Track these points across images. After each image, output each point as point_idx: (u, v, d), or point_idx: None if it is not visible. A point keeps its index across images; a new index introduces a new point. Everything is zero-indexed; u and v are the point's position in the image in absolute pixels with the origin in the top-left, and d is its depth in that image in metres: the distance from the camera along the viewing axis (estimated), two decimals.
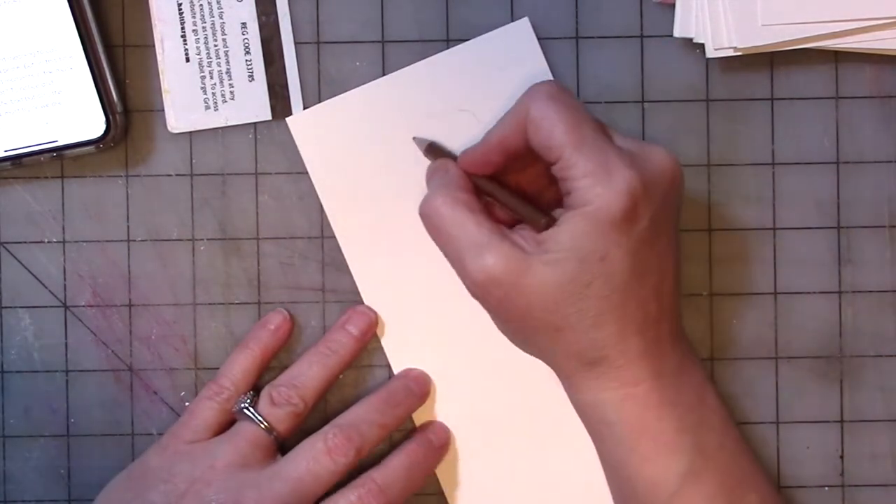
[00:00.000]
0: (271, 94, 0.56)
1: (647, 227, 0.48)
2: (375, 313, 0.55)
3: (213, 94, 0.55)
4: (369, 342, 0.55)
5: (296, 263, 0.56)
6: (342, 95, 0.55)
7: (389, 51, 0.56)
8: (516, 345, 0.52)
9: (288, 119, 0.55)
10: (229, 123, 0.56)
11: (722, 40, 0.54)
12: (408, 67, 0.55)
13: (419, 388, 0.55)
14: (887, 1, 0.53)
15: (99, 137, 0.54)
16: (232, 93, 0.55)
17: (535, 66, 0.55)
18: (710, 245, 0.56)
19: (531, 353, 0.52)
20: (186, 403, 0.56)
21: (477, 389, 0.56)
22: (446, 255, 0.50)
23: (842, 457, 0.56)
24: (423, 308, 0.56)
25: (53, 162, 0.56)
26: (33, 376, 0.56)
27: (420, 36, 0.56)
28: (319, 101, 0.56)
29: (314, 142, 0.55)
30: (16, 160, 0.54)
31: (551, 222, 0.49)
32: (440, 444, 0.55)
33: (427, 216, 0.50)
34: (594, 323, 0.48)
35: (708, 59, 0.55)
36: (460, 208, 0.50)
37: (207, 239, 0.56)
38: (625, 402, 0.49)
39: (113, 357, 0.56)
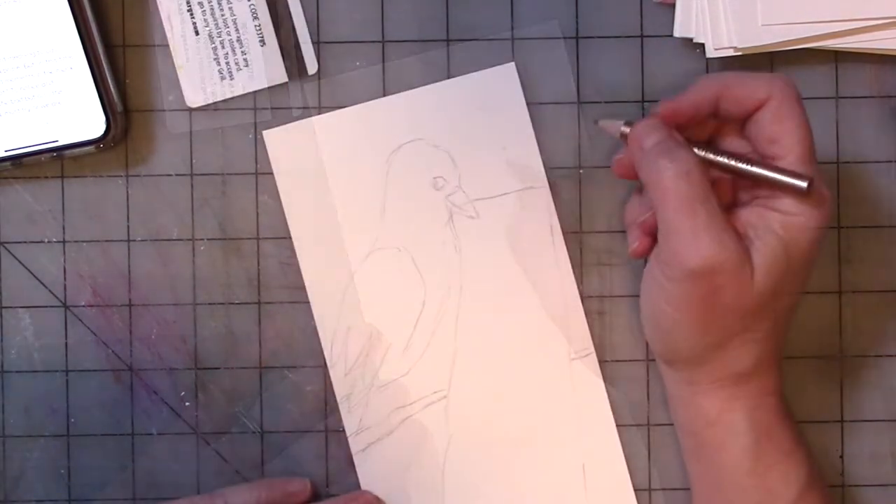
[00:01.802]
0: (285, 56, 0.56)
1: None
2: (380, 501, 0.56)
3: (227, 63, 0.55)
4: None
5: (296, 263, 0.56)
6: (318, 117, 0.56)
7: (389, 51, 0.56)
8: (677, 344, 0.50)
9: (264, 132, 0.56)
10: (246, 91, 0.56)
11: (722, 40, 0.54)
12: (389, 97, 0.56)
13: None
14: (887, 1, 0.53)
15: (99, 137, 0.54)
16: (245, 60, 0.55)
17: (516, 111, 0.55)
18: None
19: (682, 354, 0.50)
20: (187, 404, 0.56)
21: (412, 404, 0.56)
22: (673, 224, 0.47)
23: (842, 457, 0.56)
24: (378, 338, 0.56)
25: (53, 162, 0.56)
26: (33, 376, 0.56)
27: (420, 36, 0.56)
28: (319, 100, 0.56)
29: (286, 158, 0.56)
30: (16, 160, 0.54)
31: (812, 185, 0.47)
32: None
33: (672, 176, 0.46)
34: (765, 335, 0.49)
35: (708, 59, 0.56)
36: (705, 183, 0.47)
37: (207, 239, 0.56)
38: (757, 411, 0.50)
39: (113, 357, 0.56)
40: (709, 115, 0.50)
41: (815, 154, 0.48)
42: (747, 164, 0.48)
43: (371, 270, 0.56)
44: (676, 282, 0.48)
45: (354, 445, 0.56)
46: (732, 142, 0.51)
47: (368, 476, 0.56)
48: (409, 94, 0.56)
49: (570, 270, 0.56)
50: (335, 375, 0.56)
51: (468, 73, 0.56)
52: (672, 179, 0.47)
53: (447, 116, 0.55)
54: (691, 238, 0.46)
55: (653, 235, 0.51)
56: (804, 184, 0.47)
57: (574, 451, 0.56)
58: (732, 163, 0.49)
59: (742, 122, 0.50)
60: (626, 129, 0.50)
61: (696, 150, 0.49)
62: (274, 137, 0.56)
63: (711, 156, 0.49)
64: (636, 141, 0.49)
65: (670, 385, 0.53)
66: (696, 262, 0.46)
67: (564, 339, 0.56)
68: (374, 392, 0.56)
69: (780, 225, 0.48)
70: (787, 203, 0.48)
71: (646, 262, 0.51)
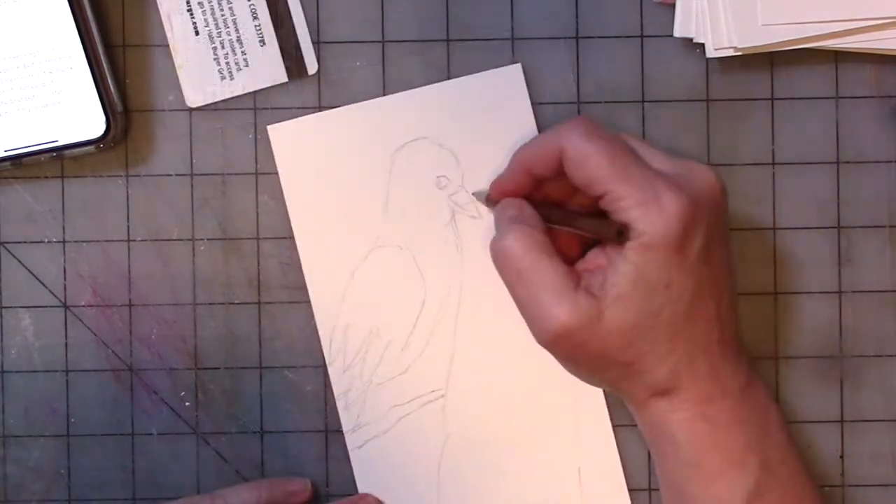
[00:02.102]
0: (284, 56, 0.56)
1: (703, 246, 0.48)
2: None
3: (227, 63, 0.55)
4: None
5: (296, 263, 0.56)
6: (323, 112, 0.56)
7: (389, 51, 0.56)
8: (583, 380, 0.52)
9: (268, 127, 0.56)
10: (246, 91, 0.56)
11: (722, 40, 0.54)
12: (395, 94, 0.56)
13: None
14: (887, 1, 0.53)
15: (99, 137, 0.54)
16: (245, 60, 0.55)
17: (521, 113, 0.55)
18: None
19: (599, 387, 0.53)
20: (187, 404, 0.56)
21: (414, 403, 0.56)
22: (517, 298, 0.50)
23: (842, 457, 0.56)
24: (377, 335, 0.56)
25: (53, 162, 0.56)
26: (33, 376, 0.56)
27: (420, 36, 0.56)
28: (319, 99, 0.56)
29: (290, 153, 0.56)
30: (16, 160, 0.54)
31: (626, 229, 0.48)
32: None
33: (501, 255, 0.50)
34: (666, 351, 0.48)
35: (708, 59, 0.55)
36: (535, 249, 0.49)
37: (207, 239, 0.56)
38: (694, 422, 0.49)
39: (113, 357, 0.56)
40: (540, 181, 0.51)
41: (635, 166, 0.48)
42: (569, 222, 0.51)
43: (372, 268, 0.56)
44: (548, 348, 0.50)
45: (351, 442, 0.56)
46: (559, 185, 0.52)
47: (364, 473, 0.56)
48: (415, 93, 0.56)
49: None
50: (333, 372, 0.56)
51: (469, 73, 0.56)
52: (506, 257, 0.49)
53: (452, 115, 0.55)
54: (533, 311, 0.49)
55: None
56: (612, 232, 0.48)
57: (570, 454, 0.56)
58: (556, 225, 0.51)
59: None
60: (482, 202, 0.54)
61: (541, 210, 0.51)
62: (278, 132, 0.56)
63: (550, 213, 0.51)
64: (495, 219, 0.52)
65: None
66: (544, 335, 0.49)
67: None
68: (372, 389, 0.56)
69: (631, 251, 0.48)
70: (631, 229, 0.48)
71: None
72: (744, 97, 0.56)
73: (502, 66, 0.56)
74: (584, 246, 0.53)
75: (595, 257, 0.51)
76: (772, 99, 0.56)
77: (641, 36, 0.56)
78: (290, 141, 0.56)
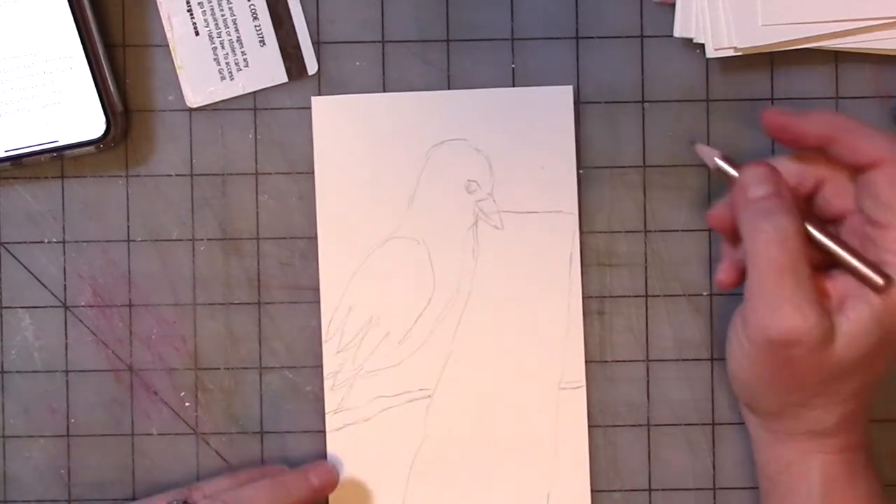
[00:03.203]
0: (284, 56, 0.56)
1: None
2: (339, 474, 0.55)
3: (227, 63, 0.56)
4: (325, 496, 0.55)
5: (296, 263, 0.56)
6: (370, 94, 0.56)
7: (389, 51, 0.56)
8: (753, 398, 0.51)
9: (312, 98, 0.56)
10: (246, 91, 0.56)
11: (722, 40, 0.54)
12: (444, 91, 0.56)
13: (319, 480, 0.54)
14: (887, 1, 0.53)
15: (99, 137, 0.54)
16: (245, 60, 0.56)
17: (563, 134, 0.55)
18: (711, 245, 0.56)
19: (763, 407, 0.51)
20: (187, 404, 0.56)
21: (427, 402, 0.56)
22: (759, 287, 0.47)
23: None
24: (378, 323, 0.56)
25: (53, 162, 0.56)
26: (33, 376, 0.56)
27: (420, 36, 0.56)
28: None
29: (329, 129, 0.56)
30: (16, 160, 0.54)
31: (891, 283, 0.46)
32: (320, 484, 0.54)
33: (767, 240, 0.46)
34: (850, 397, 0.48)
35: (708, 59, 0.55)
36: (801, 247, 0.46)
37: (207, 239, 0.56)
38: (835, 466, 0.50)
39: (113, 357, 0.56)
40: (815, 148, 0.49)
41: None
42: (837, 248, 0.48)
43: (386, 256, 0.56)
44: (755, 343, 0.48)
45: (330, 423, 0.56)
46: (838, 186, 0.49)
47: (338, 456, 0.56)
48: (464, 93, 0.56)
49: (580, 303, 0.56)
50: (327, 350, 0.56)
51: (468, 73, 0.56)
52: (767, 244, 0.46)
53: (496, 123, 0.55)
54: (774, 307, 0.46)
55: (741, 271, 0.50)
56: (880, 282, 0.46)
57: (542, 479, 0.56)
58: (824, 241, 0.48)
59: (853, 170, 0.49)
60: (723, 165, 0.50)
61: (811, 229, 0.48)
62: (321, 105, 0.56)
63: (809, 229, 0.48)
64: (742, 189, 0.48)
65: (751, 426, 0.53)
66: (775, 332, 0.46)
67: (558, 367, 0.56)
68: (361, 376, 0.56)
69: (875, 298, 0.47)
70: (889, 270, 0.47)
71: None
72: (744, 97, 0.56)
73: (502, 66, 0.56)
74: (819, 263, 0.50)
75: (833, 278, 0.48)
76: (772, 99, 0.56)
77: (641, 36, 0.56)
78: (331, 115, 0.56)
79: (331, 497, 0.56)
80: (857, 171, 0.48)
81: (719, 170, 0.50)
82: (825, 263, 0.49)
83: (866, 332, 0.47)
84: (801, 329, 0.46)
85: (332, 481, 0.55)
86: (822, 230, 0.48)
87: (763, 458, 0.52)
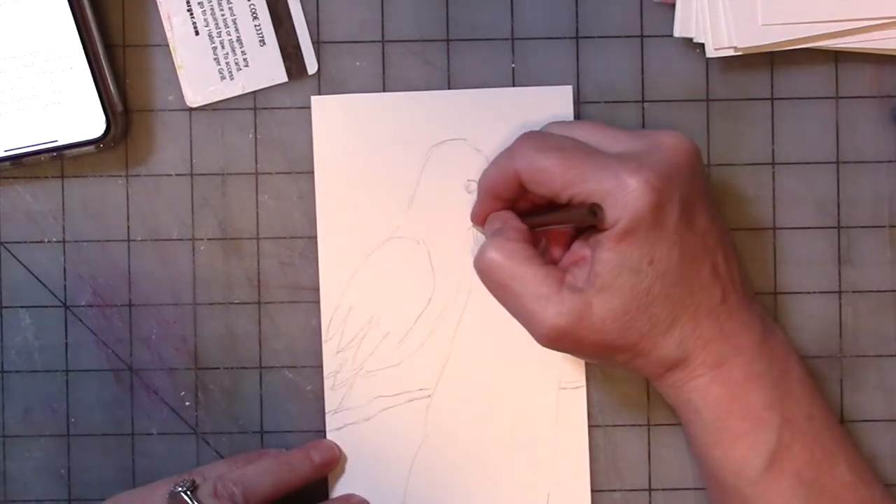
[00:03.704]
0: (284, 56, 0.56)
1: (680, 215, 0.48)
2: (340, 450, 0.56)
3: (227, 63, 0.56)
4: (326, 473, 0.55)
5: (296, 263, 0.56)
6: (370, 94, 0.56)
7: (389, 51, 0.56)
8: (599, 365, 0.54)
9: (313, 97, 0.56)
10: (246, 91, 0.56)
11: (722, 40, 0.54)
12: (444, 91, 0.56)
13: (320, 458, 0.55)
14: (887, 1, 0.53)
15: (99, 137, 0.54)
16: (245, 60, 0.56)
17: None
18: None
19: (616, 369, 0.54)
20: (187, 404, 0.56)
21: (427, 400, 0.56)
22: (508, 309, 0.51)
23: None
24: (378, 323, 0.56)
25: (53, 162, 0.56)
26: (33, 376, 0.56)
27: (420, 36, 0.56)
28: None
29: (329, 128, 0.56)
30: (16, 160, 0.54)
31: (598, 207, 0.48)
32: (321, 462, 0.55)
33: (483, 269, 0.51)
34: (668, 324, 0.49)
35: (708, 59, 0.55)
36: (515, 258, 0.50)
37: (207, 239, 0.56)
38: (710, 386, 0.50)
39: (113, 357, 0.56)
40: (509, 200, 0.52)
41: (589, 161, 0.48)
42: (549, 217, 0.51)
43: (386, 256, 0.56)
44: (549, 347, 0.50)
45: (330, 423, 0.56)
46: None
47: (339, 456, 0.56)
48: (464, 93, 0.56)
49: None
50: (327, 350, 0.56)
51: (468, 73, 0.56)
52: (489, 271, 0.50)
53: (496, 124, 0.55)
54: (525, 318, 0.50)
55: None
56: (585, 213, 0.48)
57: (543, 478, 0.56)
58: (538, 224, 0.51)
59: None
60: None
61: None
62: (321, 104, 0.56)
63: (530, 221, 0.51)
64: (485, 235, 0.53)
65: None
66: (541, 339, 0.50)
67: (558, 367, 0.56)
68: (361, 376, 0.56)
69: (607, 240, 0.48)
70: (602, 220, 0.48)
71: None
72: (744, 97, 0.56)
73: (502, 66, 0.56)
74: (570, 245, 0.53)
75: (578, 249, 0.51)
76: (772, 99, 0.56)
77: (641, 36, 0.56)
78: (331, 115, 0.56)
79: (331, 496, 0.56)
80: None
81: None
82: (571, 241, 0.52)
83: (613, 277, 0.48)
84: (553, 323, 0.48)
85: (334, 458, 0.55)
86: (538, 221, 0.51)
87: (665, 401, 0.53)
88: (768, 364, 0.50)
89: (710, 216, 0.50)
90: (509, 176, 0.51)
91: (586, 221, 0.49)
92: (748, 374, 0.50)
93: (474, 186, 0.55)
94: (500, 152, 0.52)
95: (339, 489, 0.56)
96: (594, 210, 0.48)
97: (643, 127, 0.56)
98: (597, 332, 0.49)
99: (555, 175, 0.49)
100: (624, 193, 0.47)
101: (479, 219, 0.54)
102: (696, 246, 0.49)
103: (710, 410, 0.50)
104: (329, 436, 0.56)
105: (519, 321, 0.51)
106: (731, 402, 0.50)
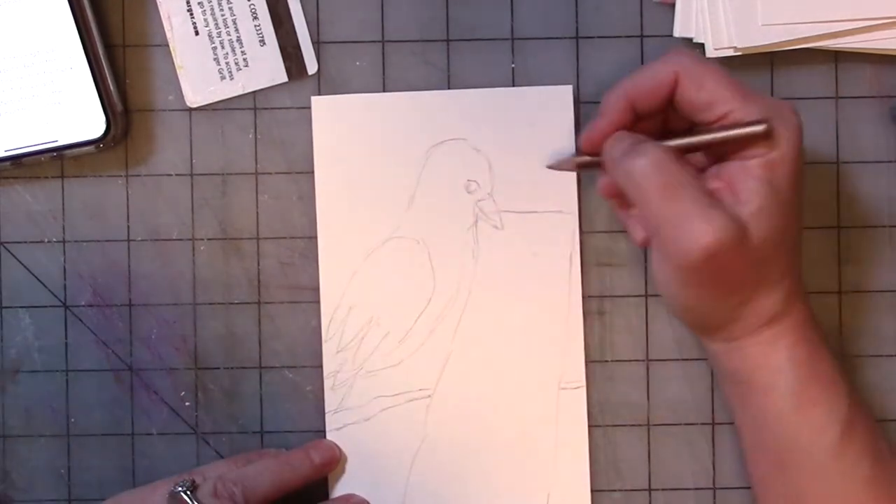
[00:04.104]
0: (284, 56, 0.56)
1: (802, 170, 0.49)
2: (340, 450, 0.56)
3: (227, 63, 0.56)
4: (326, 473, 0.55)
5: (296, 263, 0.56)
6: (370, 94, 0.56)
7: (389, 51, 0.56)
8: (701, 310, 0.50)
9: (313, 98, 0.56)
10: (246, 91, 0.56)
11: (722, 40, 0.54)
12: (443, 91, 0.56)
13: (320, 458, 0.55)
14: (887, 1, 0.53)
15: (99, 137, 0.54)
16: (245, 60, 0.56)
17: (563, 134, 0.55)
18: None
19: (713, 318, 0.50)
20: (187, 404, 0.56)
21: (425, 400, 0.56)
22: (661, 216, 0.47)
23: None
24: (378, 323, 0.56)
25: (53, 162, 0.56)
26: (33, 376, 0.56)
27: (420, 36, 0.56)
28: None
29: (329, 128, 0.56)
30: (16, 160, 0.54)
31: (770, 126, 0.47)
32: (321, 462, 0.55)
33: (643, 171, 0.47)
34: (786, 269, 0.49)
35: (708, 59, 0.55)
36: (679, 164, 0.48)
37: (207, 239, 0.56)
38: (798, 347, 0.50)
39: (113, 357, 0.56)
40: (637, 116, 0.50)
41: (752, 91, 0.48)
42: (707, 135, 0.49)
43: (386, 256, 0.56)
44: (683, 269, 0.48)
45: (330, 423, 0.56)
46: (693, 78, 0.50)
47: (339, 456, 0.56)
48: (464, 93, 0.56)
49: (580, 302, 0.56)
50: (327, 350, 0.56)
51: (468, 73, 0.56)
52: (646, 175, 0.47)
53: (495, 123, 0.55)
54: (684, 228, 0.47)
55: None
56: (761, 127, 0.47)
57: (542, 479, 0.56)
58: (694, 140, 0.49)
59: (672, 109, 0.50)
60: (584, 160, 0.52)
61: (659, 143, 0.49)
62: (321, 104, 0.56)
63: (674, 142, 0.49)
64: (608, 155, 0.50)
65: (708, 344, 0.52)
66: (696, 251, 0.46)
67: (558, 367, 0.56)
68: (361, 375, 0.56)
69: (759, 168, 0.48)
70: (758, 146, 0.48)
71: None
72: None
73: (502, 66, 0.56)
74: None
75: (716, 176, 0.49)
76: None
77: (641, 36, 0.56)
78: (330, 115, 0.56)
79: (331, 496, 0.56)
80: (675, 105, 0.50)
81: (582, 166, 0.53)
82: (706, 167, 0.50)
83: (766, 204, 0.47)
84: (717, 236, 0.46)
85: (334, 458, 0.55)
86: (688, 140, 0.49)
87: (728, 366, 0.51)
88: (819, 328, 0.51)
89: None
90: (663, 80, 0.49)
91: (755, 140, 0.47)
92: (819, 338, 0.50)
93: (474, 186, 0.55)
94: (642, 67, 0.51)
95: (339, 489, 0.56)
96: (768, 128, 0.47)
97: None
98: (745, 257, 0.47)
99: (720, 84, 0.48)
100: (784, 125, 0.48)
101: (601, 131, 0.50)
102: (801, 207, 0.50)
103: (795, 371, 0.49)
104: (329, 436, 0.56)
105: (669, 233, 0.47)
106: (811, 365, 0.50)
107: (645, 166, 0.47)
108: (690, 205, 0.47)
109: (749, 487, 0.56)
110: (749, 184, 0.48)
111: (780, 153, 0.48)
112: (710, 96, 0.48)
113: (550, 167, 0.54)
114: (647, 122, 0.51)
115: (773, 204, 0.48)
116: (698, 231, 0.46)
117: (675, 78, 0.49)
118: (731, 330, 0.50)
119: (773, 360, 0.50)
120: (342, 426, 0.56)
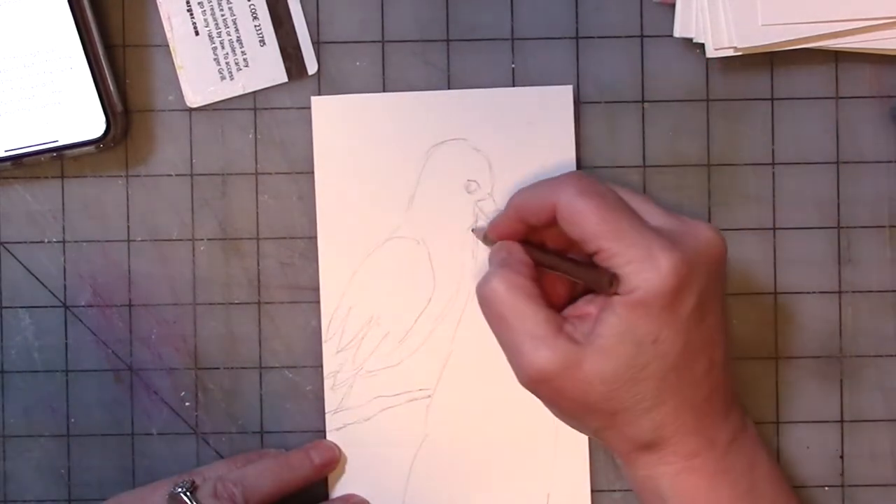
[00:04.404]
0: (284, 56, 0.56)
1: (695, 307, 0.48)
2: (340, 451, 0.56)
3: (227, 63, 0.56)
4: (326, 474, 0.55)
5: (296, 263, 0.56)
6: (370, 94, 0.56)
7: (389, 51, 0.56)
8: (568, 425, 0.52)
9: (312, 98, 0.56)
10: (246, 91, 0.56)
11: (722, 40, 0.54)
12: (441, 91, 0.56)
13: (320, 458, 0.55)
14: (887, 1, 0.53)
15: (99, 137, 0.54)
16: (245, 60, 0.56)
17: (563, 134, 0.55)
18: None
19: (585, 433, 0.52)
20: (187, 404, 0.56)
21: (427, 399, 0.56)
22: (500, 341, 0.50)
23: (842, 457, 0.56)
24: (378, 323, 0.56)
25: (53, 162, 0.56)
26: (33, 376, 0.56)
27: (420, 36, 0.56)
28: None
29: (329, 129, 0.56)
30: (16, 160, 0.54)
31: (615, 279, 0.47)
32: (321, 462, 0.55)
33: (485, 298, 0.50)
34: (651, 405, 0.48)
35: (708, 59, 0.55)
36: (519, 294, 0.49)
37: (207, 239, 0.56)
38: (679, 476, 0.49)
39: (113, 357, 0.56)
40: (534, 228, 0.51)
41: (636, 229, 0.48)
42: (563, 264, 0.50)
43: (386, 256, 0.56)
44: (526, 387, 0.49)
45: (330, 423, 0.56)
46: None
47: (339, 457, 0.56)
48: (463, 93, 0.56)
49: None
50: (327, 350, 0.56)
51: (468, 73, 0.56)
52: (486, 302, 0.50)
53: (495, 123, 0.55)
54: (513, 356, 0.49)
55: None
56: (604, 278, 0.48)
57: (543, 479, 0.56)
58: (554, 265, 0.51)
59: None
60: (480, 239, 0.54)
61: (532, 254, 0.51)
62: (321, 104, 0.56)
63: (542, 259, 0.51)
64: (489, 259, 0.52)
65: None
66: (523, 378, 0.49)
67: None
68: (361, 376, 0.56)
69: (620, 307, 0.47)
70: (620, 284, 0.48)
71: None
72: (744, 97, 0.56)
73: (502, 66, 0.56)
74: (575, 292, 0.52)
75: (585, 305, 0.50)
76: (772, 99, 0.56)
77: (641, 36, 0.56)
78: (330, 115, 0.56)
79: (331, 496, 0.56)
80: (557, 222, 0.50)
81: (484, 242, 0.54)
82: (570, 297, 0.52)
83: (615, 344, 0.47)
84: (546, 360, 0.47)
85: (334, 459, 0.55)
86: (551, 262, 0.51)
87: (629, 483, 0.52)
88: (737, 459, 0.50)
89: (720, 315, 0.50)
90: (546, 206, 0.49)
91: (600, 287, 0.48)
92: (718, 468, 0.49)
93: (474, 186, 0.55)
94: (544, 180, 0.51)
95: (339, 489, 0.56)
96: (611, 280, 0.47)
97: (643, 127, 0.56)
98: (580, 388, 0.48)
99: (591, 222, 0.48)
100: (652, 266, 0.47)
101: (497, 231, 0.52)
102: (700, 340, 0.49)
103: (677, 500, 0.49)
104: (329, 436, 0.56)
105: (507, 356, 0.50)
106: (697, 494, 0.49)
107: (485, 295, 0.49)
108: (519, 336, 0.48)
109: None
110: (608, 318, 0.47)
111: (640, 297, 0.47)
112: (581, 234, 0.48)
113: (473, 231, 0.55)
114: (553, 230, 0.51)
115: (626, 344, 0.47)
116: (524, 360, 0.48)
117: (553, 208, 0.49)
118: (610, 448, 0.51)
119: (653, 486, 0.50)
120: (342, 426, 0.56)
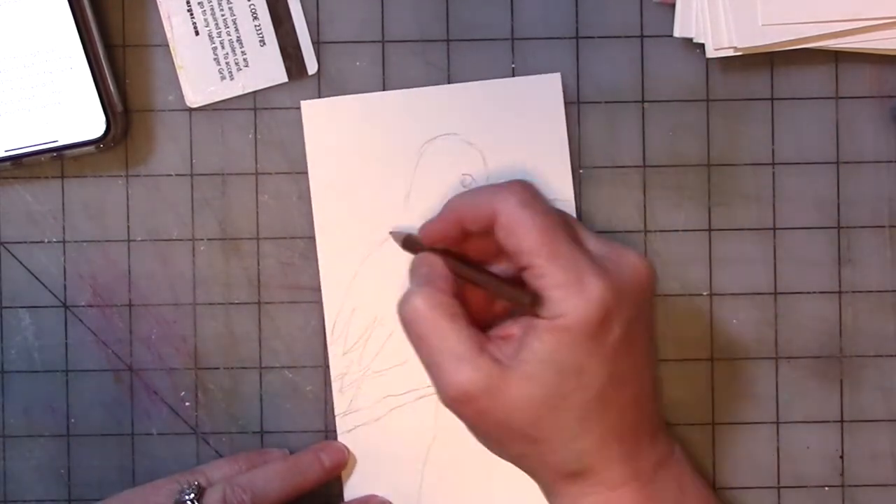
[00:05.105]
0: (284, 56, 0.56)
1: (622, 336, 0.47)
2: (349, 451, 0.55)
3: (227, 63, 0.56)
4: (335, 475, 0.55)
5: (296, 263, 0.56)
6: (360, 95, 0.56)
7: (389, 51, 0.56)
8: (489, 450, 0.50)
9: (302, 102, 0.56)
10: (246, 91, 0.56)
11: (722, 40, 0.54)
12: (433, 87, 0.56)
13: (330, 460, 0.55)
14: (887, 1, 0.53)
15: (99, 137, 0.54)
16: (245, 60, 0.56)
17: (554, 122, 0.55)
18: (710, 245, 0.56)
19: (507, 460, 0.50)
20: (187, 404, 0.56)
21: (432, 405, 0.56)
22: (422, 361, 0.49)
23: (842, 457, 0.56)
24: (382, 322, 0.56)
25: (53, 162, 0.56)
26: (33, 376, 0.56)
27: (420, 36, 0.56)
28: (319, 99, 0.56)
29: (321, 131, 0.56)
30: (16, 160, 0.54)
31: (537, 300, 0.47)
32: (331, 464, 0.55)
33: (406, 318, 0.49)
34: (574, 434, 0.47)
35: (708, 59, 0.56)
36: (441, 313, 0.48)
37: (207, 239, 0.56)
38: None
39: (113, 357, 0.56)
40: (469, 236, 0.50)
41: (571, 251, 0.47)
42: (488, 280, 0.49)
43: (386, 255, 0.56)
44: (448, 408, 0.48)
45: (341, 425, 0.56)
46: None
47: (351, 458, 0.56)
48: (453, 87, 0.56)
49: None
50: (333, 353, 0.56)
51: (468, 73, 0.56)
52: (406, 322, 0.48)
53: (486, 116, 0.55)
54: (433, 376, 0.48)
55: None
56: (526, 298, 0.47)
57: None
58: (477, 279, 0.50)
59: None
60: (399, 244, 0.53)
61: (455, 267, 0.50)
62: (311, 108, 0.56)
63: (466, 272, 0.50)
64: (409, 272, 0.51)
65: None
66: (444, 398, 0.48)
67: None
68: (369, 376, 0.56)
69: (545, 331, 0.46)
70: (546, 307, 0.47)
71: None
72: (744, 97, 0.56)
73: (502, 66, 0.56)
74: (497, 304, 0.51)
75: (510, 326, 0.49)
76: (772, 99, 0.56)
77: (641, 36, 0.56)
78: (321, 118, 0.56)
79: (345, 499, 0.56)
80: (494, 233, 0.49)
81: (403, 247, 0.52)
82: (496, 315, 0.50)
83: (538, 370, 0.46)
84: (468, 380, 0.46)
85: (343, 460, 0.55)
86: (474, 277, 0.50)
87: None
88: (665, 486, 0.49)
89: (648, 344, 0.49)
90: (486, 213, 0.48)
91: (521, 306, 0.47)
92: (644, 496, 0.49)
93: (469, 180, 0.55)
94: (485, 185, 0.50)
95: (353, 491, 0.56)
96: (533, 300, 0.47)
97: (643, 127, 0.56)
98: (503, 411, 0.47)
99: (530, 237, 0.47)
100: (580, 293, 0.46)
101: (429, 234, 0.51)
102: (627, 370, 0.48)
103: None
104: (340, 438, 0.56)
105: (429, 376, 0.48)
106: None
107: (406, 316, 0.49)
108: (440, 355, 0.47)
109: (750, 487, 0.56)
110: (532, 343, 0.47)
111: (566, 324, 0.46)
112: (517, 246, 0.47)
113: (392, 234, 0.54)
114: (483, 240, 0.50)
115: (549, 372, 0.46)
116: (444, 380, 0.47)
117: (493, 215, 0.48)
118: (533, 477, 0.50)
119: None
120: (353, 428, 0.56)
